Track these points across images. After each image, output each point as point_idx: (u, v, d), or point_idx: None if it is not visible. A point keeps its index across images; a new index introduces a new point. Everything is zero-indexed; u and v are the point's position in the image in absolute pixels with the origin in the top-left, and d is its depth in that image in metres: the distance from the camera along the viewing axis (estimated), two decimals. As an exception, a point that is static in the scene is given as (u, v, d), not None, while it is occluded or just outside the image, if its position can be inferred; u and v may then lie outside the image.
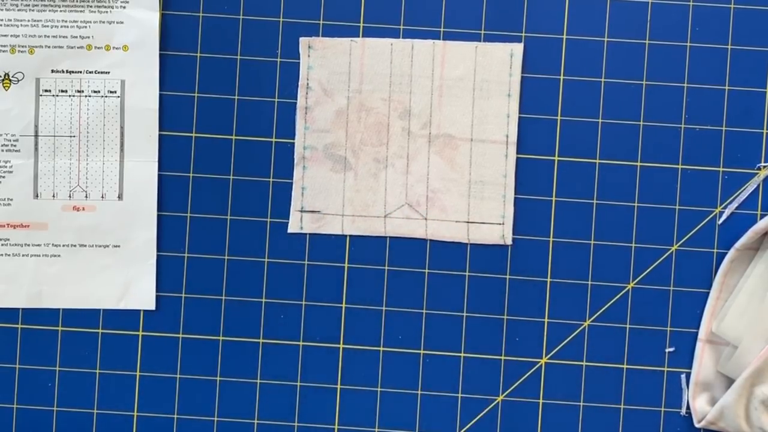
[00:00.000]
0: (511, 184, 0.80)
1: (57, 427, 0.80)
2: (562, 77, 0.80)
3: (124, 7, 0.79)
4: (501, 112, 0.80)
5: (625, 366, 0.80)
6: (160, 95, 0.80)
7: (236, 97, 0.80)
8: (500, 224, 0.80)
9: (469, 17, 0.80)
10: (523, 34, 0.80)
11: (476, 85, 0.80)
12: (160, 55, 0.80)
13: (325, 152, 0.80)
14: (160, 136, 0.80)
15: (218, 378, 0.80)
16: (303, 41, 0.80)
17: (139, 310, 0.80)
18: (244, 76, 0.80)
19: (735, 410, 0.76)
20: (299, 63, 0.80)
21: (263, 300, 0.80)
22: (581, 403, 0.80)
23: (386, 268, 0.80)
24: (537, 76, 0.80)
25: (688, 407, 0.79)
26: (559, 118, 0.80)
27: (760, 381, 0.76)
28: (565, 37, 0.80)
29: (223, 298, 0.80)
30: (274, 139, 0.80)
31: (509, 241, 0.80)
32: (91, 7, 0.79)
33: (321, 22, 0.80)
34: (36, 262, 0.80)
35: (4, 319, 0.80)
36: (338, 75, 0.80)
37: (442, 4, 0.80)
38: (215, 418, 0.80)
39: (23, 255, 0.80)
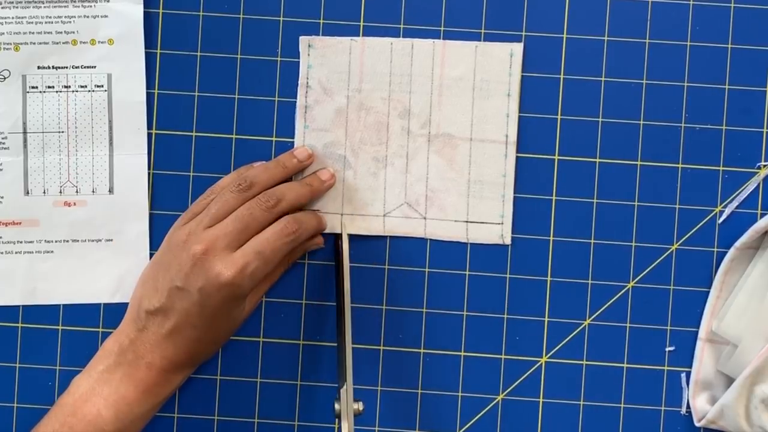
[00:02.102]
0: (510, 184, 0.80)
1: (57, 426, 0.80)
2: (562, 76, 0.80)
3: (108, 1, 0.79)
4: (500, 111, 0.80)
5: (625, 365, 0.80)
6: (160, 94, 0.80)
7: (236, 96, 0.80)
8: (499, 224, 0.80)
9: (469, 16, 0.80)
10: (523, 33, 0.80)
11: (476, 85, 0.80)
12: (161, 54, 0.80)
13: (324, 151, 0.80)
14: (160, 135, 0.80)
15: (218, 377, 0.80)
16: (303, 40, 0.80)
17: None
18: (245, 75, 0.80)
19: (735, 409, 0.76)
20: (299, 62, 0.80)
21: (263, 299, 0.80)
22: (581, 402, 0.80)
23: (386, 267, 0.80)
24: (537, 75, 0.80)
25: (688, 406, 0.79)
26: (559, 117, 0.80)
27: (761, 380, 0.76)
28: (565, 36, 0.80)
29: (224, 297, 0.80)
30: (274, 138, 0.80)
31: (508, 241, 0.80)
32: (75, 2, 0.79)
33: (321, 21, 0.80)
34: (29, 259, 0.80)
35: (4, 318, 0.80)
36: (338, 74, 0.80)
37: (442, 3, 0.80)
38: (215, 418, 0.80)
39: (16, 252, 0.80)
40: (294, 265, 0.80)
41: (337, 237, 0.80)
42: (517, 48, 0.80)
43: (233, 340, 0.80)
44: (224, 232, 0.72)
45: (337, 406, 0.71)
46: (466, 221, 0.80)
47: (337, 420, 0.72)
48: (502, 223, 0.80)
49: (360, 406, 0.72)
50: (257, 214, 0.73)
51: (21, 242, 0.80)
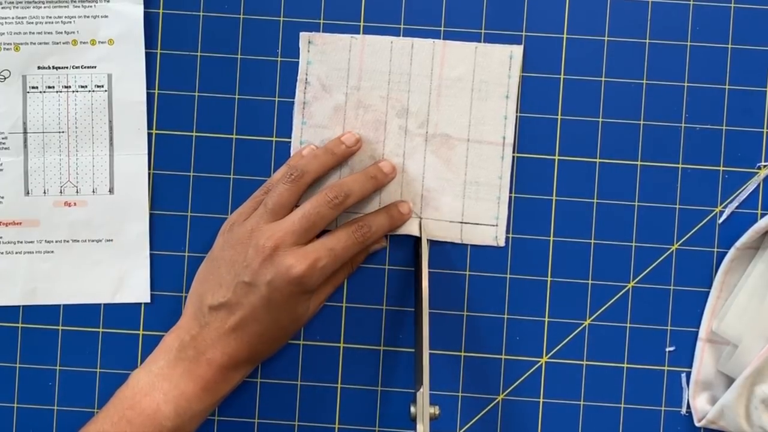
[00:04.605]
0: (506, 186, 0.80)
1: (57, 427, 0.80)
2: (562, 76, 0.80)
3: (108, 1, 0.80)
4: (498, 113, 0.80)
5: (625, 365, 0.80)
6: (160, 94, 0.80)
7: (236, 96, 0.80)
8: (494, 225, 0.80)
9: (469, 16, 0.80)
10: (524, 34, 0.80)
11: (475, 86, 0.80)
12: (161, 54, 0.80)
13: (322, 148, 0.80)
14: (160, 135, 0.80)
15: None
16: (303, 36, 0.80)
17: (140, 309, 0.80)
18: (245, 75, 0.80)
19: (735, 409, 0.76)
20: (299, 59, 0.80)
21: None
22: (581, 402, 0.80)
23: (386, 267, 0.80)
24: (537, 75, 0.80)
25: (688, 406, 0.79)
26: (559, 117, 0.80)
27: (761, 380, 0.75)
28: (565, 36, 0.80)
29: (224, 297, 0.80)
30: (274, 139, 0.80)
31: (502, 243, 0.80)
32: (75, 2, 0.79)
33: (321, 21, 0.80)
34: (29, 259, 0.80)
35: (4, 318, 0.80)
36: (337, 71, 0.80)
37: (442, 3, 0.80)
38: (216, 418, 0.80)
39: (16, 252, 0.80)
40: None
41: (417, 240, 0.80)
42: (517, 50, 0.80)
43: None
44: (292, 230, 0.73)
45: (413, 409, 0.71)
46: (461, 222, 0.80)
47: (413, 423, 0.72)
48: (497, 225, 0.80)
49: (436, 410, 0.71)
50: (324, 211, 0.74)
51: (21, 242, 0.80)
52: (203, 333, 0.74)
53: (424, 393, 0.70)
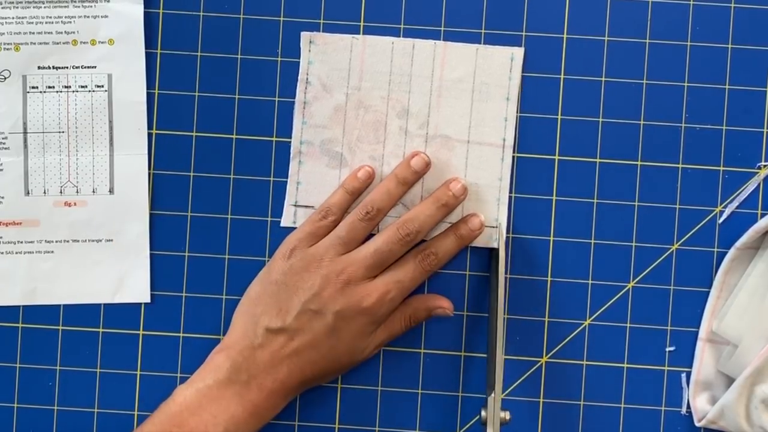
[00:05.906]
0: (506, 188, 0.80)
1: (57, 427, 0.80)
2: (562, 77, 0.80)
3: (108, 1, 0.80)
4: (499, 115, 0.80)
5: (625, 365, 0.80)
6: (160, 94, 0.80)
7: (236, 96, 0.80)
8: (494, 227, 0.80)
9: (469, 17, 0.80)
10: (524, 34, 0.80)
11: (475, 88, 0.80)
12: (161, 54, 0.80)
13: (321, 148, 0.80)
14: (160, 135, 0.80)
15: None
16: (304, 36, 0.80)
17: (140, 309, 0.80)
18: (245, 75, 0.80)
19: (735, 409, 0.76)
20: (300, 59, 0.80)
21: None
22: (581, 402, 0.80)
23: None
24: (537, 75, 0.80)
25: (688, 406, 0.79)
26: (559, 117, 0.80)
27: (761, 380, 0.75)
28: (565, 36, 0.80)
29: (224, 297, 0.80)
30: (274, 139, 0.80)
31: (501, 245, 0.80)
32: (75, 2, 0.79)
33: (321, 21, 0.80)
34: (29, 259, 0.80)
35: (4, 318, 0.80)
36: (338, 71, 0.80)
37: (443, 3, 0.80)
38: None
39: (16, 252, 0.80)
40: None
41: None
42: (518, 52, 0.80)
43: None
44: (365, 264, 0.75)
45: (483, 413, 0.73)
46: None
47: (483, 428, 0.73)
48: (497, 227, 0.80)
49: (507, 415, 0.72)
50: (396, 248, 0.76)
51: (21, 242, 0.80)
52: (256, 355, 0.74)
53: (495, 398, 0.72)
